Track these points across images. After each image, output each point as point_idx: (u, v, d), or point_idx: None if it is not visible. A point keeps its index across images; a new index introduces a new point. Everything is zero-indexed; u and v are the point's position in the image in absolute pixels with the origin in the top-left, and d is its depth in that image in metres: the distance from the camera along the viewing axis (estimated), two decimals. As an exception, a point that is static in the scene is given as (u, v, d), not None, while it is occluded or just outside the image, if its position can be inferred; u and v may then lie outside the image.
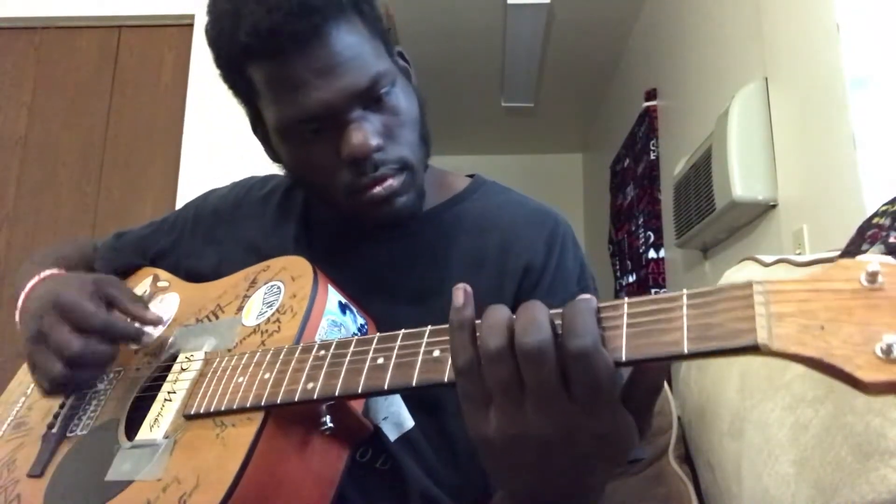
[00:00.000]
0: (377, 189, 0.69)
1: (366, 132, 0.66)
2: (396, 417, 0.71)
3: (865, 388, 0.34)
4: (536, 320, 0.43)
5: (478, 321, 0.46)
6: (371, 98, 0.68)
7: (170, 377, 0.68)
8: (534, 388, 0.43)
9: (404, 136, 0.70)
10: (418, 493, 0.70)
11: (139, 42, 2.43)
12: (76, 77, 2.40)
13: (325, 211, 0.83)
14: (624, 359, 0.41)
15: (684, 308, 0.41)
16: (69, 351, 0.65)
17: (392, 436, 0.70)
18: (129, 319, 0.73)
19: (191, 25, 2.39)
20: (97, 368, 0.70)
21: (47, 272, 0.80)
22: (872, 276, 0.36)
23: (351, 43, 0.66)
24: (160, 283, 0.85)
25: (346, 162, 0.67)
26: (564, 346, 0.41)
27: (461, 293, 0.46)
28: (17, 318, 0.77)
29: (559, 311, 0.44)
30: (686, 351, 0.39)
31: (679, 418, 1.00)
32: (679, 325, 0.40)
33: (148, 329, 0.77)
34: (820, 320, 0.36)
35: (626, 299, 0.44)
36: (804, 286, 0.38)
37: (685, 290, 0.42)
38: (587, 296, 0.44)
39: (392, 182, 0.69)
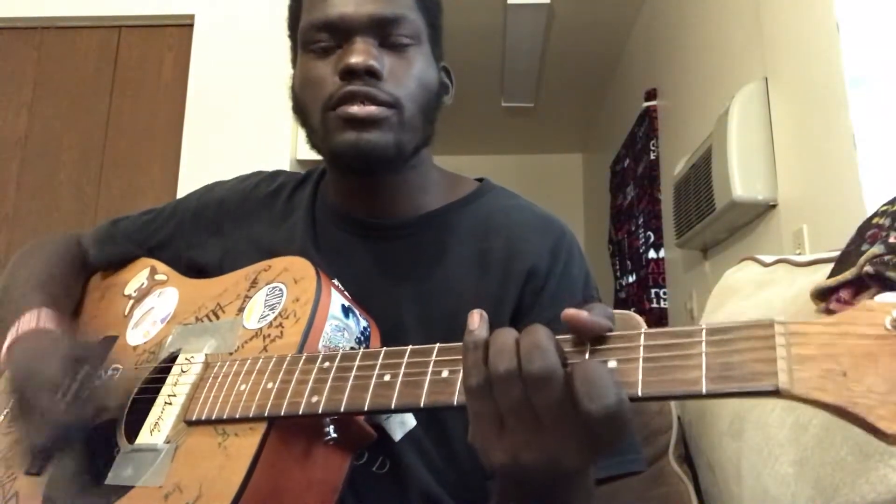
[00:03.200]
0: (355, 108, 0.67)
1: (369, 52, 0.68)
2: (400, 416, 0.70)
3: (888, 440, 0.33)
4: (541, 346, 0.43)
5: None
6: (389, 37, 0.71)
7: (169, 379, 0.67)
8: (544, 414, 0.42)
9: (408, 85, 0.71)
10: (419, 492, 0.70)
11: (139, 42, 2.42)
12: (76, 77, 2.40)
13: (332, 200, 0.82)
14: (640, 394, 0.41)
15: (703, 345, 0.40)
16: (55, 424, 0.63)
17: (397, 435, 0.70)
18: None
19: (191, 25, 2.39)
20: (81, 434, 0.67)
21: (31, 321, 0.75)
22: None
23: None
24: (158, 277, 0.84)
25: (340, 72, 0.68)
26: (582, 408, 0.40)
27: (477, 316, 0.47)
28: (1, 358, 0.74)
29: (567, 337, 0.44)
30: (704, 391, 0.39)
31: (679, 418, 1.00)
32: (698, 362, 0.40)
33: (142, 328, 0.77)
34: (843, 366, 0.35)
35: (643, 330, 0.43)
36: (827, 328, 0.37)
37: (704, 325, 0.41)
38: (602, 358, 0.43)
39: (374, 109, 0.68)
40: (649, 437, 0.96)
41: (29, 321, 0.75)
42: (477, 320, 0.46)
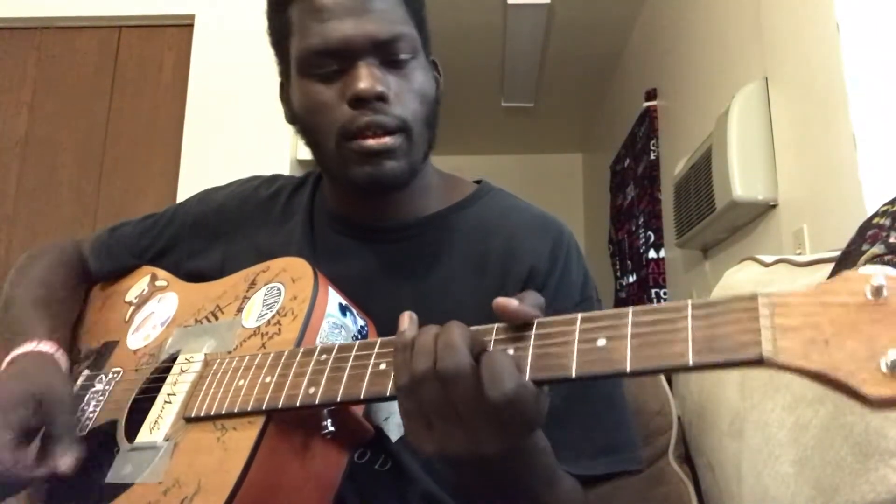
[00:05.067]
0: (370, 141, 0.69)
1: (374, 76, 0.69)
2: (398, 417, 0.70)
3: (870, 404, 0.34)
4: (452, 344, 0.46)
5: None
6: (389, 55, 0.71)
7: (169, 379, 0.68)
8: (461, 408, 0.46)
9: (412, 103, 0.72)
10: (419, 492, 0.70)
11: (139, 42, 2.42)
12: (76, 77, 2.40)
13: (330, 203, 0.83)
14: (629, 370, 0.42)
15: (689, 319, 0.41)
16: None
17: (394, 436, 0.70)
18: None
19: (191, 25, 2.39)
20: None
21: (27, 347, 0.74)
22: (877, 290, 0.36)
23: (386, 0, 0.71)
24: (158, 283, 0.84)
25: (350, 100, 0.69)
26: (486, 395, 0.44)
27: (406, 318, 0.50)
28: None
29: (491, 326, 0.48)
30: (691, 363, 0.40)
31: (679, 418, 1.00)
32: (684, 336, 0.40)
33: (142, 332, 0.77)
34: (825, 334, 0.36)
35: (631, 308, 0.44)
36: (809, 299, 0.38)
37: (689, 300, 0.42)
38: (500, 348, 0.47)
39: (388, 140, 0.69)
40: (649, 437, 0.96)
41: (25, 349, 0.74)
42: (406, 322, 0.50)
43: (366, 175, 0.70)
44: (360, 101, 0.68)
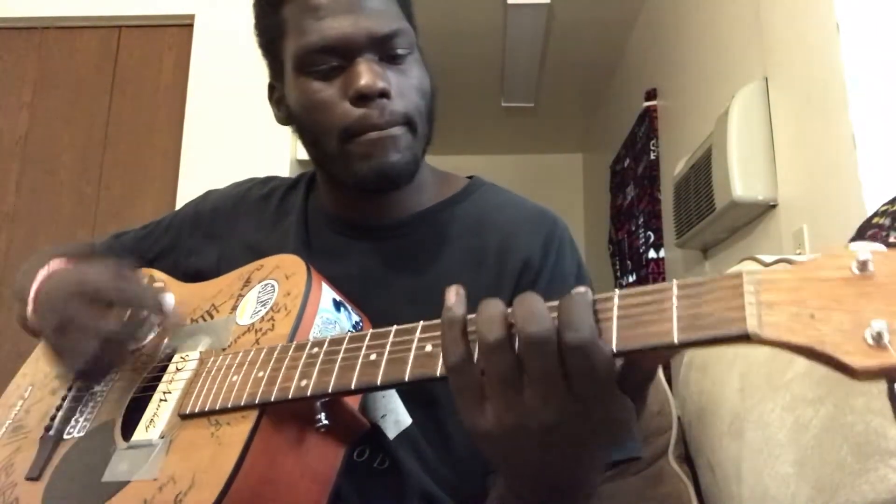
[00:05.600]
0: (373, 134, 0.69)
1: (375, 72, 0.69)
2: (395, 415, 0.71)
3: (855, 375, 0.34)
4: (537, 310, 0.43)
5: (471, 316, 0.46)
6: (387, 51, 0.71)
7: (165, 377, 0.68)
8: (535, 378, 0.43)
9: (413, 98, 0.72)
10: (417, 491, 0.70)
11: (139, 42, 2.42)
12: (76, 77, 2.40)
13: (324, 202, 0.83)
14: (615, 350, 0.42)
15: (674, 298, 0.41)
16: (106, 328, 0.64)
17: (391, 433, 0.70)
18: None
19: (191, 25, 2.39)
20: (129, 345, 0.68)
21: (53, 265, 0.78)
22: (863, 265, 0.36)
23: None
24: (155, 284, 0.85)
25: (353, 97, 0.69)
26: (562, 339, 0.42)
27: (453, 293, 0.47)
28: (28, 314, 0.75)
29: (555, 303, 0.44)
30: (676, 341, 0.39)
31: (679, 418, 1.00)
32: (669, 315, 0.40)
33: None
34: (810, 308, 0.36)
35: (617, 291, 0.44)
36: (795, 275, 0.38)
37: (675, 281, 0.42)
38: (583, 288, 0.44)
39: (393, 130, 0.69)
40: (649, 438, 0.96)
41: (58, 263, 0.77)
42: (453, 296, 0.47)
43: (370, 169, 0.70)
44: (363, 98, 0.68)
